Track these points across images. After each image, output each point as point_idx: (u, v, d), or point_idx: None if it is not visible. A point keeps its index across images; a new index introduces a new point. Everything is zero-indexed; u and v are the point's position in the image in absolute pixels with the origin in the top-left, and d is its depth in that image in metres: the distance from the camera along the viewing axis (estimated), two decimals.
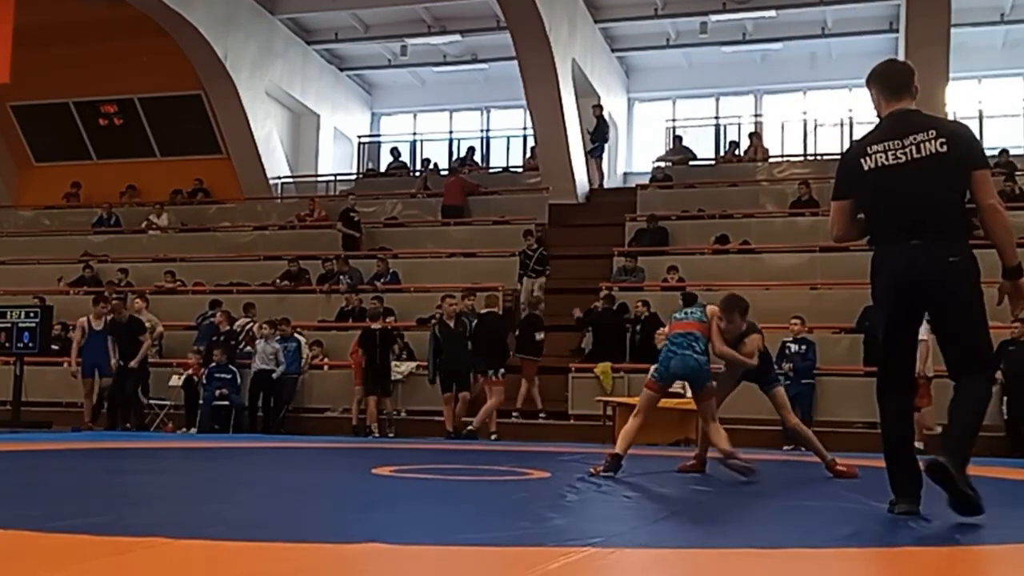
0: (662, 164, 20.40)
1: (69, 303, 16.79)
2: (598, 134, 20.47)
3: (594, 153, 20.59)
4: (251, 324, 15.06)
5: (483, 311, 13.16)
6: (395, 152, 22.91)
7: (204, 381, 14.10)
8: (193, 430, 13.95)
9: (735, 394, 13.19)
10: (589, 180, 20.59)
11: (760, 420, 13.20)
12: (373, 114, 25.12)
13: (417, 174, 22.03)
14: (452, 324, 13.20)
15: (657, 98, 23.36)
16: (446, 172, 21.14)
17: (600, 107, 20.65)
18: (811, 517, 5.36)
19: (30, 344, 14.01)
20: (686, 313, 7.59)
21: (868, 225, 4.94)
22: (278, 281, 17.34)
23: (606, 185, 21.13)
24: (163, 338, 15.71)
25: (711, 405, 7.61)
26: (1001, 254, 4.73)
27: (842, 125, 21.23)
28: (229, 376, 14.02)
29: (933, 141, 4.61)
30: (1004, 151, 18.76)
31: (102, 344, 13.83)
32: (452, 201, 19.14)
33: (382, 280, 16.67)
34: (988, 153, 17.87)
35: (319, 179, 22.77)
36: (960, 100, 19.86)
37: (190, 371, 14.35)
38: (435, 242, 18.50)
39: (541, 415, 14.00)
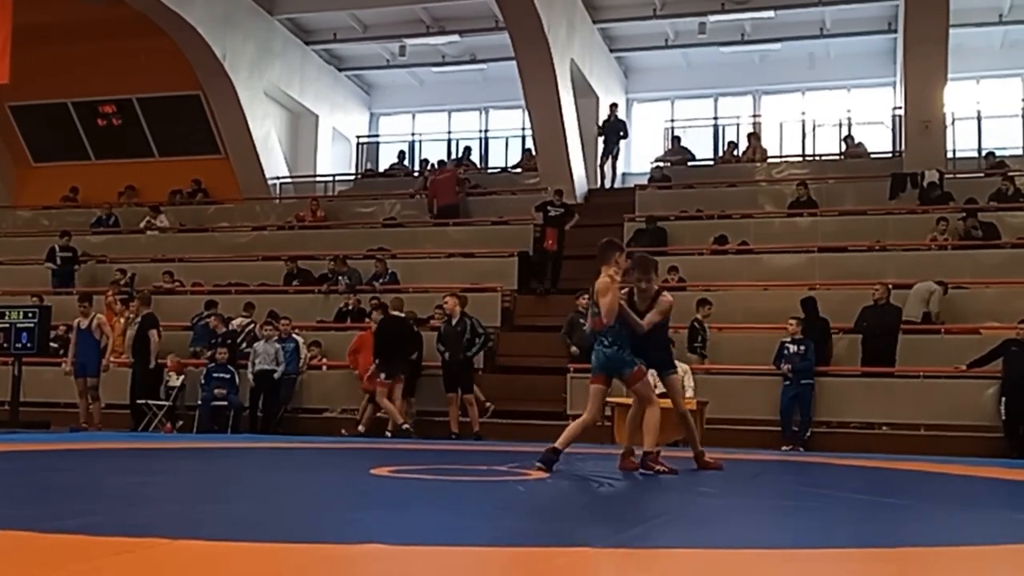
0: (661, 164, 20.41)
1: (70, 304, 16.77)
2: (613, 130, 20.55)
3: (612, 152, 20.66)
4: (252, 324, 15.04)
5: (394, 314, 13.56)
6: (401, 155, 22.90)
7: (203, 381, 14.11)
8: (177, 425, 14.04)
9: (737, 394, 13.30)
10: (602, 178, 20.73)
11: (760, 420, 13.24)
12: (372, 114, 25.10)
13: (416, 174, 22.02)
14: (454, 323, 13.31)
15: (656, 98, 23.34)
16: (436, 174, 21.20)
17: (616, 105, 20.86)
18: (811, 517, 5.36)
19: (28, 344, 14.00)
20: (595, 307, 7.45)
21: None
22: (295, 283, 17.30)
23: (604, 185, 21.15)
24: (159, 337, 15.69)
25: (643, 387, 7.54)
26: None
27: (840, 126, 21.23)
28: (228, 376, 14.02)
29: None
30: (991, 153, 18.77)
31: (89, 344, 13.90)
32: (447, 200, 19.08)
33: (380, 280, 16.64)
34: (983, 153, 17.81)
35: (318, 179, 22.75)
36: (958, 100, 19.87)
37: (169, 371, 14.49)
38: (433, 242, 18.48)
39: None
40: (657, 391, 12.06)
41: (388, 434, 13.08)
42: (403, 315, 13.68)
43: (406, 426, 12.97)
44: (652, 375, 8.84)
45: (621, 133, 20.85)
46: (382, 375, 13.07)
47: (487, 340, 13.89)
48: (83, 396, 13.96)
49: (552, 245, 16.72)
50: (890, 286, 13.67)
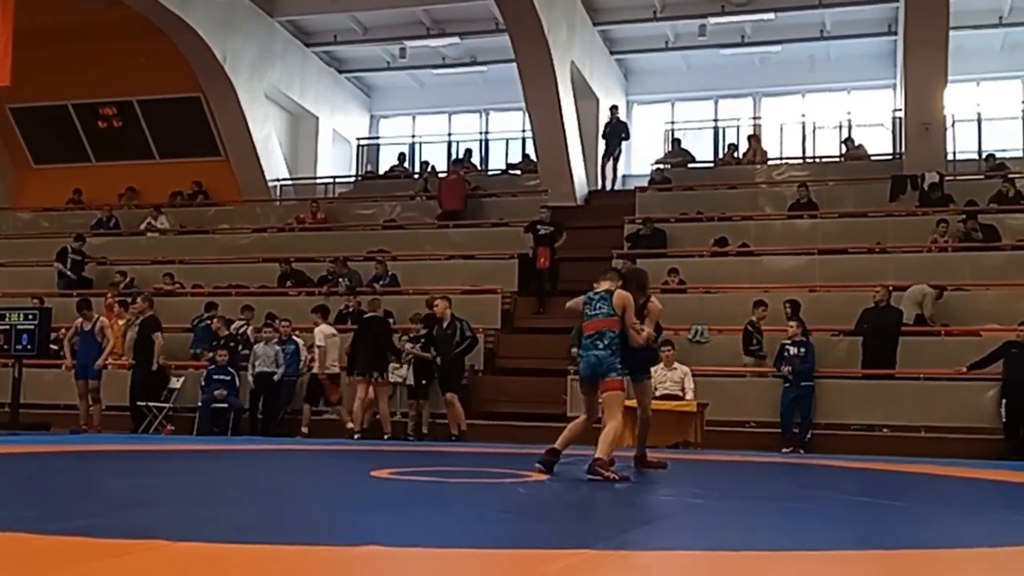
0: (661, 166, 20.42)
1: (70, 306, 16.77)
2: (615, 132, 20.60)
3: (613, 154, 20.71)
4: (245, 327, 15.02)
5: (369, 314, 13.70)
6: (401, 157, 22.92)
7: (203, 383, 14.10)
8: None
9: (738, 395, 13.31)
10: (603, 179, 20.83)
11: (760, 422, 13.24)
12: (372, 116, 25.10)
13: (416, 176, 22.04)
14: (444, 326, 13.32)
15: (656, 100, 23.34)
16: (444, 175, 21.21)
17: (616, 107, 20.96)
18: (811, 519, 5.36)
19: (28, 346, 13.98)
20: (594, 310, 7.56)
21: None
22: (289, 284, 17.32)
23: (607, 186, 21.16)
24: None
25: (614, 399, 7.39)
26: None
27: (840, 127, 21.24)
28: (228, 378, 14.00)
29: None
30: (991, 155, 18.78)
31: (92, 346, 13.96)
32: (450, 206, 19.08)
33: (381, 282, 16.65)
34: (983, 155, 17.74)
35: (318, 181, 22.76)
36: (958, 102, 19.87)
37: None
38: (434, 244, 18.49)
39: None
40: (658, 393, 12.19)
41: (386, 436, 13.12)
42: (379, 315, 13.74)
43: (356, 433, 13.12)
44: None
45: (623, 135, 20.89)
46: (357, 375, 13.29)
47: (474, 342, 13.76)
48: (83, 398, 13.98)
49: (544, 263, 16.46)
50: (891, 288, 13.67)
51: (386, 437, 13.11)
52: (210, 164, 21.58)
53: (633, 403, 8.40)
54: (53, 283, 18.34)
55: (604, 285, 7.67)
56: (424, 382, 13.52)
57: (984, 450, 11.99)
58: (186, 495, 6.00)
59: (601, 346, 7.35)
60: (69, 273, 18.35)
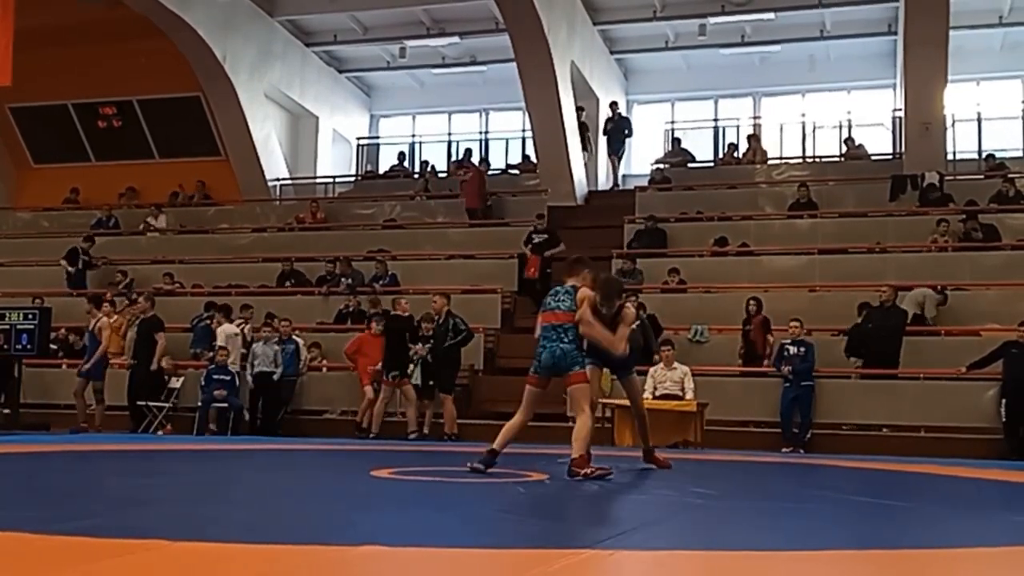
0: (661, 166, 20.42)
1: (70, 306, 16.79)
2: (617, 129, 20.59)
3: (617, 151, 20.69)
4: (243, 326, 15.02)
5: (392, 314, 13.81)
6: (401, 157, 22.93)
7: (203, 383, 14.09)
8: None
9: (738, 396, 13.31)
10: (614, 174, 20.95)
11: (760, 422, 13.25)
12: (372, 116, 25.10)
13: (416, 176, 22.05)
14: (440, 322, 13.34)
15: (656, 100, 23.33)
16: (444, 174, 21.17)
17: (616, 104, 20.99)
18: (811, 519, 5.37)
19: (28, 346, 13.99)
20: (556, 301, 7.48)
21: None
22: (289, 283, 17.35)
23: (605, 187, 21.16)
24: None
25: (581, 391, 7.30)
26: None
27: (840, 127, 21.24)
28: (228, 378, 14.00)
29: None
30: (991, 155, 18.78)
31: (94, 346, 14.09)
32: (469, 204, 19.04)
33: (381, 282, 16.66)
34: (983, 155, 17.73)
35: (318, 181, 22.77)
36: (958, 102, 19.87)
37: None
38: (434, 244, 18.50)
39: None
40: (658, 393, 12.19)
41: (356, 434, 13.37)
42: (397, 314, 13.80)
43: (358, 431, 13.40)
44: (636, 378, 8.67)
45: (626, 132, 20.87)
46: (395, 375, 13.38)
47: (469, 336, 13.61)
48: (79, 396, 13.99)
49: (534, 273, 15.95)
50: (897, 288, 13.65)
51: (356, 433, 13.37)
52: (210, 164, 21.58)
53: (626, 402, 8.40)
54: (52, 283, 18.32)
55: (571, 282, 7.57)
56: (431, 383, 13.48)
57: (984, 450, 12.00)
58: (186, 495, 6.00)
59: (567, 339, 7.29)
60: (76, 269, 18.43)
